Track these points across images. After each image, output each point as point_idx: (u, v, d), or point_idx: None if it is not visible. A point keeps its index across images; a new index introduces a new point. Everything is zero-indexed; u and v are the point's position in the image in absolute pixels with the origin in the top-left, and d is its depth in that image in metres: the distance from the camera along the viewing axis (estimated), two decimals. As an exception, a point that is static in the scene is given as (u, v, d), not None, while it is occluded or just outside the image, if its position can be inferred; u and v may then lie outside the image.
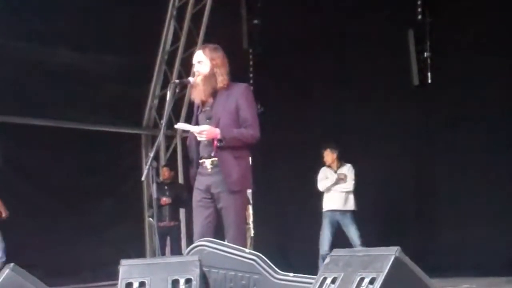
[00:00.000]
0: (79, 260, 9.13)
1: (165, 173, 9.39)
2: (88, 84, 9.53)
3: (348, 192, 8.07)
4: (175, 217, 9.28)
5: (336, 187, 8.10)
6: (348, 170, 8.12)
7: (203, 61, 4.54)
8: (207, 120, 4.51)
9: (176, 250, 9.23)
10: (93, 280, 9.02)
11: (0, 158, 8.65)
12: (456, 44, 8.29)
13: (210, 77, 4.51)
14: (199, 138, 4.45)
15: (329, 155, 8.17)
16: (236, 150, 4.46)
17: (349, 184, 8.07)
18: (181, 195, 9.13)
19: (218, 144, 4.40)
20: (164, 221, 9.02)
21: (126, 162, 10.21)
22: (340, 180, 8.05)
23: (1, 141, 8.65)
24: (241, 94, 4.53)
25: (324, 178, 8.13)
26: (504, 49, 7.83)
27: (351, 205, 8.07)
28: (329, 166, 8.19)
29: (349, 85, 9.24)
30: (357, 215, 8.05)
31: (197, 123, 4.57)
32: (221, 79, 4.51)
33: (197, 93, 4.55)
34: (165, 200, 9.04)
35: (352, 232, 7.93)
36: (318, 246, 7.85)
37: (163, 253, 8.76)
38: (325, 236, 7.96)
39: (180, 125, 4.59)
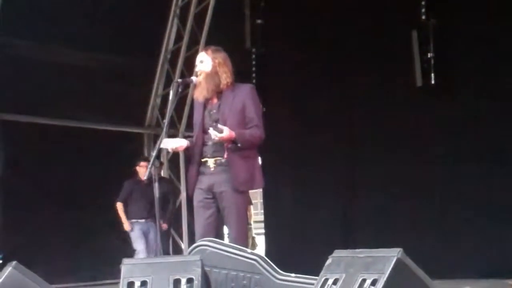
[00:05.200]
0: (79, 259, 9.13)
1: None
2: (90, 83, 9.53)
3: None
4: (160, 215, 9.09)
5: None
6: None
7: (204, 61, 4.57)
8: (214, 123, 4.51)
9: (166, 248, 9.21)
10: (93, 279, 9.02)
11: (2, 156, 8.65)
12: (460, 45, 8.27)
13: (213, 75, 4.52)
14: (215, 136, 4.39)
15: None
16: (244, 151, 4.48)
17: None
18: (167, 191, 9.02)
19: (230, 146, 4.41)
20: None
21: (128, 161, 10.20)
22: None
23: (3, 139, 8.65)
24: (247, 94, 4.55)
25: None
26: (508, 50, 7.81)
27: None
28: None
29: (352, 86, 9.22)
30: (360, 216, 8.02)
31: (203, 124, 4.56)
32: (225, 77, 4.52)
33: (200, 91, 4.56)
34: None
35: None
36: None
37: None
38: None
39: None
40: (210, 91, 4.52)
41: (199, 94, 4.58)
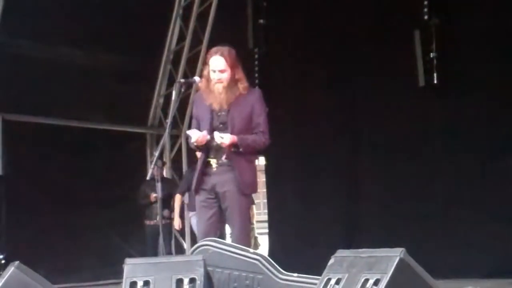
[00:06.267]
0: (81, 258, 9.13)
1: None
2: (92, 83, 9.53)
3: None
4: (166, 214, 8.85)
5: None
6: None
7: (225, 70, 4.51)
8: (221, 125, 4.52)
9: (168, 249, 9.12)
10: (95, 278, 9.02)
11: (4, 157, 8.65)
12: (463, 45, 8.26)
13: (232, 85, 4.53)
14: (219, 141, 4.42)
15: None
16: (248, 154, 4.51)
17: None
18: (172, 192, 8.90)
19: (233, 150, 4.44)
20: (155, 219, 8.88)
21: (131, 161, 10.21)
22: None
23: (3, 139, 8.64)
24: (256, 100, 4.59)
25: None
26: (510, 49, 7.80)
27: None
28: None
29: (354, 85, 9.21)
30: (363, 216, 8.01)
31: (211, 125, 4.55)
32: (242, 87, 4.55)
33: (218, 101, 4.52)
34: (155, 196, 8.51)
35: None
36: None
37: (155, 253, 8.69)
38: None
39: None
40: (229, 103, 4.52)
41: (215, 103, 4.54)
